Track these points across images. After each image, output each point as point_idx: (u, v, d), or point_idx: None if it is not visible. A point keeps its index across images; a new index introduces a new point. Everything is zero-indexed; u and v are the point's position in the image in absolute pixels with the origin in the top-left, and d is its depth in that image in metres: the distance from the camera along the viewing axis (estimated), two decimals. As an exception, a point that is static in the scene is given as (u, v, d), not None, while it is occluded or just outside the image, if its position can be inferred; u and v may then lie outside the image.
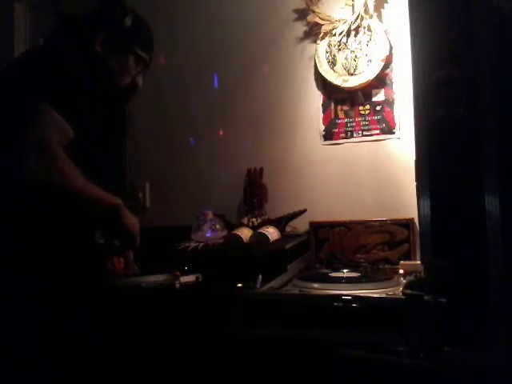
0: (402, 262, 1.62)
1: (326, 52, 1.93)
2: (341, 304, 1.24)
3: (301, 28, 2.01)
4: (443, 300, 1.10)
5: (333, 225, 1.82)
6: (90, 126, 1.17)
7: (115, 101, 1.36)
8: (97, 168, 1.22)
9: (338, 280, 1.46)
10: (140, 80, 1.36)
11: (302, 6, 1.99)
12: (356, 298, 1.25)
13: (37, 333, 1.01)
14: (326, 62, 1.93)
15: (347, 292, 1.29)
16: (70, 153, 1.05)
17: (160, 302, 1.40)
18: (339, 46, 1.91)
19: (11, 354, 1.01)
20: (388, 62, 1.85)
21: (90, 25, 1.27)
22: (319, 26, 1.94)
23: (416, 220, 1.60)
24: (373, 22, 1.84)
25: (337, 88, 1.92)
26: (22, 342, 1.00)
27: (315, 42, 1.96)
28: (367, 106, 1.90)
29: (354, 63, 1.88)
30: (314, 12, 1.95)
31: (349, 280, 1.46)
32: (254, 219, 1.89)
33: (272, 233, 1.76)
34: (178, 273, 1.49)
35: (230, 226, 1.88)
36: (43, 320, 1.02)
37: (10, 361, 1.01)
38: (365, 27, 1.85)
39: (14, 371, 1.01)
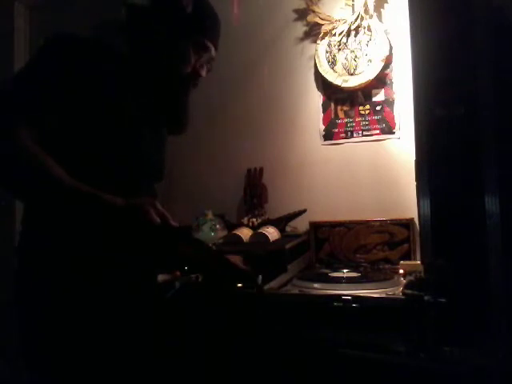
0: (401, 262, 1.63)
1: (326, 52, 1.93)
2: (341, 304, 1.25)
3: (301, 28, 2.01)
4: (443, 300, 1.10)
5: (333, 225, 1.82)
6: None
7: (174, 93, 1.24)
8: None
9: (338, 280, 1.46)
10: (204, 70, 1.26)
11: (302, 5, 1.99)
12: (356, 298, 1.25)
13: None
14: (325, 62, 1.93)
15: (347, 292, 1.29)
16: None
17: (160, 302, 1.40)
18: (339, 45, 1.91)
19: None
20: (388, 62, 1.85)
21: (153, 13, 1.18)
22: (319, 26, 1.94)
23: (416, 220, 1.60)
24: (373, 21, 1.84)
25: (337, 88, 1.92)
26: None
27: (315, 42, 1.96)
28: (367, 106, 1.90)
29: (354, 63, 1.88)
30: (314, 12, 1.95)
31: (349, 280, 1.46)
32: (254, 219, 1.90)
33: (272, 233, 1.76)
34: (177, 273, 1.49)
35: (230, 226, 1.88)
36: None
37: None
38: (365, 27, 1.85)
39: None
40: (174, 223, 1.04)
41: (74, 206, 0.97)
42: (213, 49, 1.26)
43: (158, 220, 0.99)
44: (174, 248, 1.09)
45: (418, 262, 1.55)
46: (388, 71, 1.87)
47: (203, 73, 1.26)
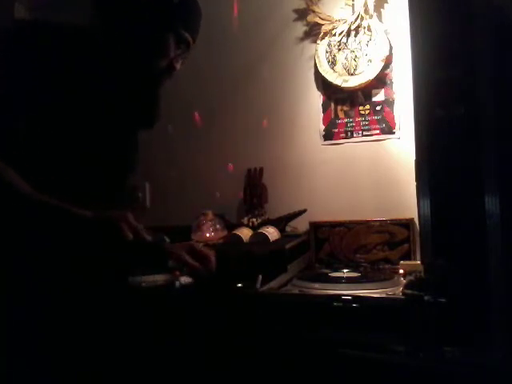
0: (401, 262, 1.63)
1: (326, 52, 1.93)
2: (341, 304, 1.24)
3: (301, 28, 2.01)
4: (443, 300, 1.10)
5: (333, 225, 1.82)
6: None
7: (147, 85, 1.16)
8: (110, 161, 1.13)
9: (338, 280, 1.46)
10: (179, 64, 1.17)
11: (302, 5, 1.99)
12: (356, 298, 1.25)
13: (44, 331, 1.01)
14: (325, 61, 1.93)
15: (347, 292, 1.29)
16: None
17: (160, 302, 1.40)
18: (339, 45, 1.91)
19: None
20: (388, 62, 1.85)
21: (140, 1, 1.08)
22: (319, 26, 1.94)
23: (416, 220, 1.60)
24: (373, 21, 1.84)
25: (337, 88, 1.92)
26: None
27: (315, 41, 1.96)
28: (367, 106, 1.90)
29: (354, 63, 1.88)
30: (314, 12, 1.95)
31: (349, 280, 1.46)
32: (254, 219, 1.90)
33: (272, 233, 1.76)
34: (177, 273, 1.49)
35: (230, 226, 1.88)
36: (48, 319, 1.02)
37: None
38: (365, 27, 1.85)
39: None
40: (147, 237, 0.99)
41: (41, 221, 0.92)
42: (191, 43, 1.18)
43: (131, 235, 0.94)
44: (148, 263, 1.07)
45: (418, 262, 1.55)
46: (388, 71, 1.87)
47: (178, 66, 1.18)
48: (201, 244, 1.74)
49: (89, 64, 1.06)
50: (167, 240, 1.12)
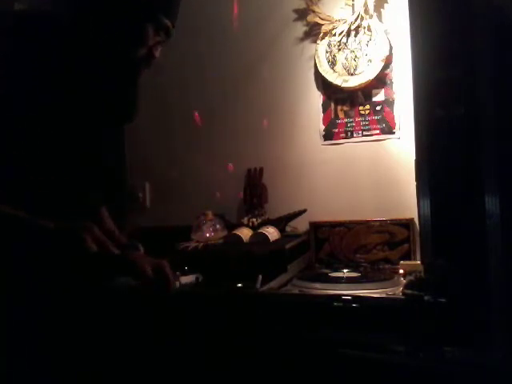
0: (401, 262, 1.63)
1: (326, 52, 1.93)
2: (341, 304, 1.25)
3: (301, 28, 2.01)
4: (443, 300, 1.10)
5: (333, 225, 1.82)
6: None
7: (125, 76, 1.08)
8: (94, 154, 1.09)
9: (338, 280, 1.46)
10: (158, 51, 1.10)
11: (302, 5, 1.99)
12: (356, 298, 1.25)
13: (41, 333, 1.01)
14: (325, 61, 1.93)
15: (347, 292, 1.29)
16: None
17: (160, 302, 1.40)
18: (339, 45, 1.91)
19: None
20: (388, 62, 1.85)
21: None
22: (319, 26, 1.94)
23: (416, 220, 1.60)
24: (373, 21, 1.84)
25: (337, 88, 1.92)
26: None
27: (315, 42, 1.96)
28: (367, 106, 1.90)
29: (354, 63, 1.88)
30: (314, 12, 1.95)
31: (349, 280, 1.46)
32: (254, 219, 1.90)
33: (272, 233, 1.76)
34: (177, 273, 1.49)
35: (230, 226, 1.88)
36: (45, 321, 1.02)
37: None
38: (365, 27, 1.85)
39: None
40: (112, 249, 0.93)
41: None
42: (171, 29, 1.09)
43: (95, 247, 0.89)
44: (112, 275, 1.02)
45: (418, 262, 1.55)
46: (388, 71, 1.87)
47: (157, 54, 1.10)
48: (201, 244, 1.74)
49: (64, 55, 1.00)
50: (141, 248, 1.07)
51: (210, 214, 1.87)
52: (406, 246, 1.71)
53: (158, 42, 1.08)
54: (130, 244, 1.07)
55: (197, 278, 1.52)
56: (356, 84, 1.88)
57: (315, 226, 1.85)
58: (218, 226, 1.85)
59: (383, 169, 1.86)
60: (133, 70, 1.09)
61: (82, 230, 0.89)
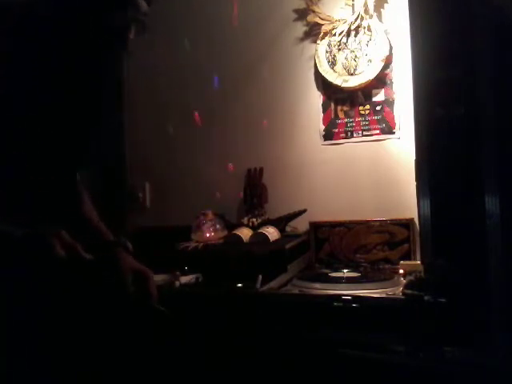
0: (401, 262, 1.63)
1: (326, 52, 1.93)
2: (341, 304, 1.25)
3: (301, 28, 2.01)
4: (443, 300, 1.10)
5: (333, 225, 1.82)
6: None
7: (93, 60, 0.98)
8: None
9: (338, 280, 1.46)
10: (131, 32, 0.98)
11: (302, 5, 1.99)
12: (356, 298, 1.25)
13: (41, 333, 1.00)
14: (325, 61, 1.93)
15: (347, 292, 1.29)
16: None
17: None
18: (339, 45, 1.91)
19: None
20: (388, 62, 1.85)
21: None
22: (319, 26, 1.94)
23: (416, 220, 1.60)
24: (373, 21, 1.84)
25: (337, 88, 1.92)
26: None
27: (315, 41, 1.96)
28: (367, 106, 1.90)
29: (354, 63, 1.88)
30: (314, 12, 1.95)
31: (349, 280, 1.46)
32: (254, 219, 1.90)
33: (272, 233, 1.76)
34: (177, 273, 1.49)
35: (230, 226, 1.88)
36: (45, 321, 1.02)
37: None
38: (365, 27, 1.85)
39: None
40: (84, 254, 0.89)
41: None
42: (143, 4, 0.96)
43: (63, 253, 0.84)
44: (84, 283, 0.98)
45: (418, 262, 1.55)
46: (388, 71, 1.86)
47: (131, 35, 0.99)
48: (201, 244, 1.74)
49: (64, 55, 0.95)
50: (129, 246, 1.03)
51: (210, 214, 1.87)
52: (405, 246, 1.71)
53: (128, 19, 0.95)
54: (118, 241, 1.03)
55: (197, 278, 1.52)
56: (356, 84, 1.87)
57: (315, 226, 1.85)
58: (218, 226, 1.85)
59: (383, 169, 1.86)
60: (104, 55, 1.00)
61: (50, 235, 0.85)
